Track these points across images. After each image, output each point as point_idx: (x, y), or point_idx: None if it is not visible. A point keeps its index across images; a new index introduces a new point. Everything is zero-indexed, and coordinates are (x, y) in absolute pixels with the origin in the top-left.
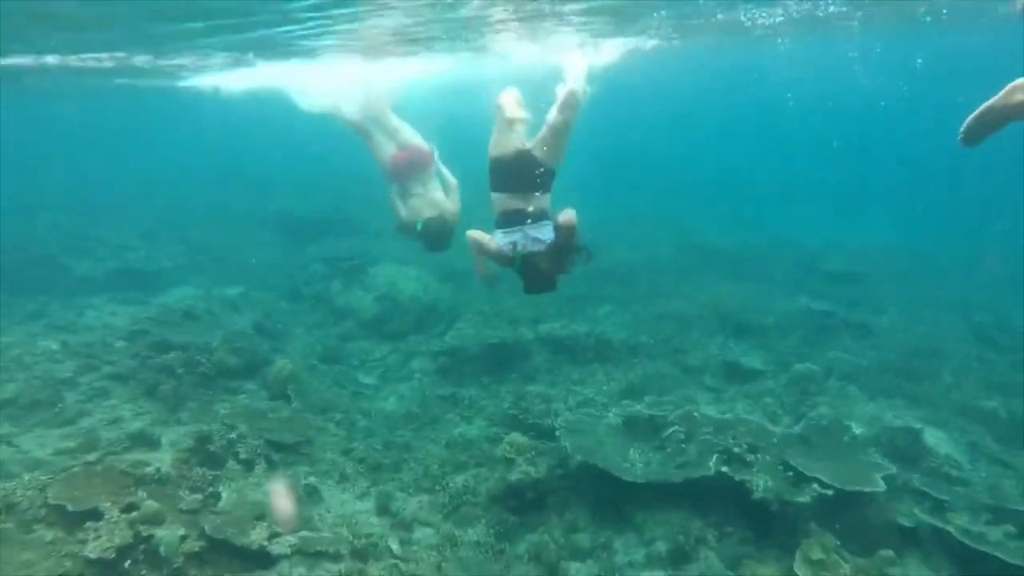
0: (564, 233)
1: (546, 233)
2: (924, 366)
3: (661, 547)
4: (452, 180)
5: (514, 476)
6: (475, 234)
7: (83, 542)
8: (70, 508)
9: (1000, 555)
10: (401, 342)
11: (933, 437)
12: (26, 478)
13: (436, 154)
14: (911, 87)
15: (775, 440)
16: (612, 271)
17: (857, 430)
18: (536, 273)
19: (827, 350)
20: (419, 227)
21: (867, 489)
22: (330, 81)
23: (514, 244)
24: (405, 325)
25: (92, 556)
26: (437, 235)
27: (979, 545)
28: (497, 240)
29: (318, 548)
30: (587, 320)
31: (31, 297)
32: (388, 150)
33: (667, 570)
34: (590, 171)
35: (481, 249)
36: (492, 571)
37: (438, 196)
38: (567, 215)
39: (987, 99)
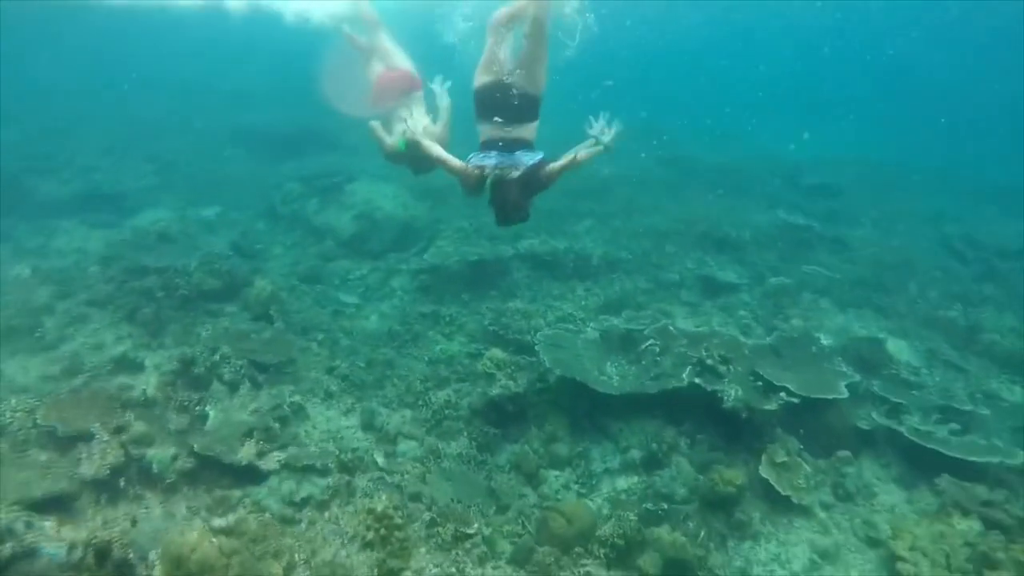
0: (547, 172)
1: (524, 159)
2: (893, 278)
3: (635, 454)
4: (444, 101)
5: (495, 390)
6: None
7: (77, 462)
8: (60, 431)
9: (943, 450)
10: (381, 260)
11: (895, 346)
12: (13, 401)
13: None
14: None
15: (747, 352)
16: (592, 186)
17: (825, 341)
18: (506, 202)
19: (802, 264)
20: (402, 146)
21: (830, 396)
22: None
23: (483, 168)
24: (384, 243)
25: (87, 475)
26: (416, 156)
27: (926, 442)
28: (470, 161)
29: (306, 463)
30: (566, 236)
31: None
32: (376, 69)
33: (641, 475)
34: (572, 83)
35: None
36: (475, 480)
37: (421, 117)
38: (569, 158)
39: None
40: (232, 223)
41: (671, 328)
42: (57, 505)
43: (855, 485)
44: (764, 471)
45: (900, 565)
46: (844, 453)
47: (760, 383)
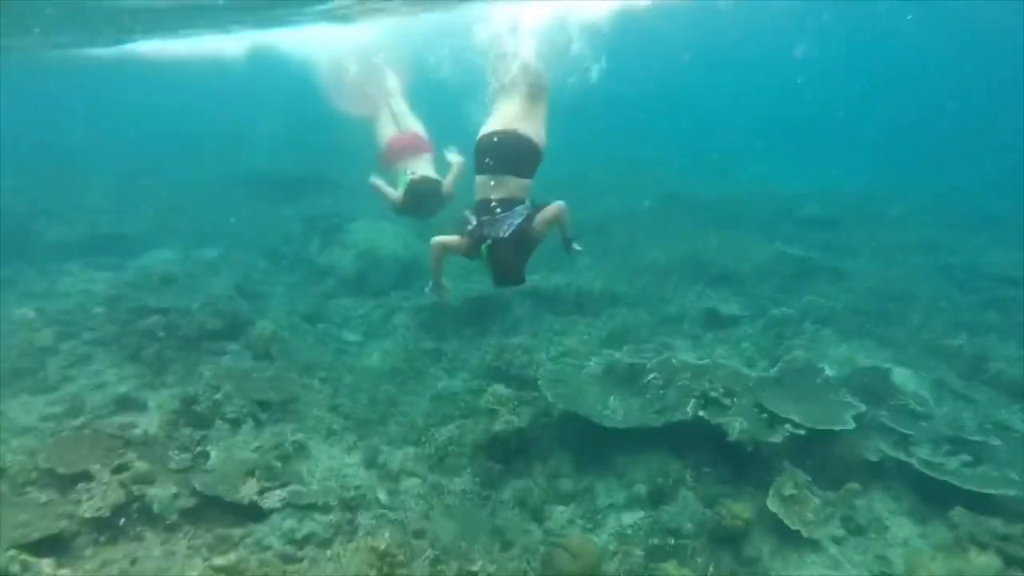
0: (541, 218)
1: (516, 215)
2: (895, 308)
3: (641, 489)
4: (458, 158)
5: (498, 426)
6: (441, 239)
7: (77, 502)
8: (61, 471)
9: (955, 482)
10: (383, 298)
11: (901, 376)
12: (14, 444)
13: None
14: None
15: (751, 384)
16: (591, 222)
17: (829, 371)
18: (501, 265)
19: (803, 294)
20: (403, 188)
21: (837, 428)
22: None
23: (482, 227)
24: (386, 282)
25: (87, 515)
26: (420, 196)
27: (937, 474)
28: (464, 225)
29: (308, 501)
30: (567, 272)
31: (2, 264)
32: (388, 131)
33: (646, 510)
34: (569, 120)
35: (445, 250)
36: (478, 517)
37: (428, 171)
38: (556, 206)
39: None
40: (235, 264)
41: (674, 361)
42: (56, 546)
43: (866, 518)
44: (772, 504)
45: None
46: (853, 485)
47: (765, 415)
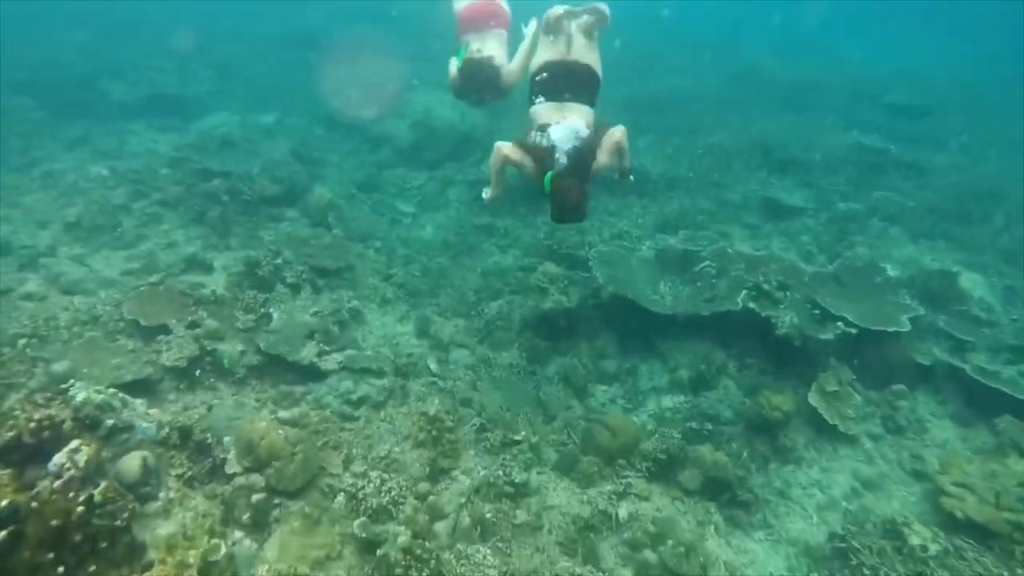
0: (607, 142)
1: (581, 133)
2: (976, 208)
3: (683, 375)
4: (533, 27)
5: (547, 304)
6: (504, 149)
7: (158, 352)
8: (143, 323)
9: (1007, 390)
10: (438, 170)
11: (969, 280)
12: (102, 295)
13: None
14: None
15: (806, 279)
16: (654, 99)
17: (892, 272)
18: (566, 195)
19: (874, 189)
20: (459, 62)
21: (891, 329)
22: None
23: (552, 146)
24: (441, 153)
25: (168, 364)
26: (474, 75)
27: (989, 381)
28: (531, 137)
29: (363, 365)
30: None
31: (72, 120)
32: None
33: (687, 395)
34: None
35: (508, 162)
36: (523, 390)
37: (495, 50)
38: (620, 129)
39: None
40: (290, 129)
41: (729, 250)
42: (144, 388)
43: (907, 419)
44: (813, 399)
45: (945, 500)
46: (899, 386)
47: (817, 311)
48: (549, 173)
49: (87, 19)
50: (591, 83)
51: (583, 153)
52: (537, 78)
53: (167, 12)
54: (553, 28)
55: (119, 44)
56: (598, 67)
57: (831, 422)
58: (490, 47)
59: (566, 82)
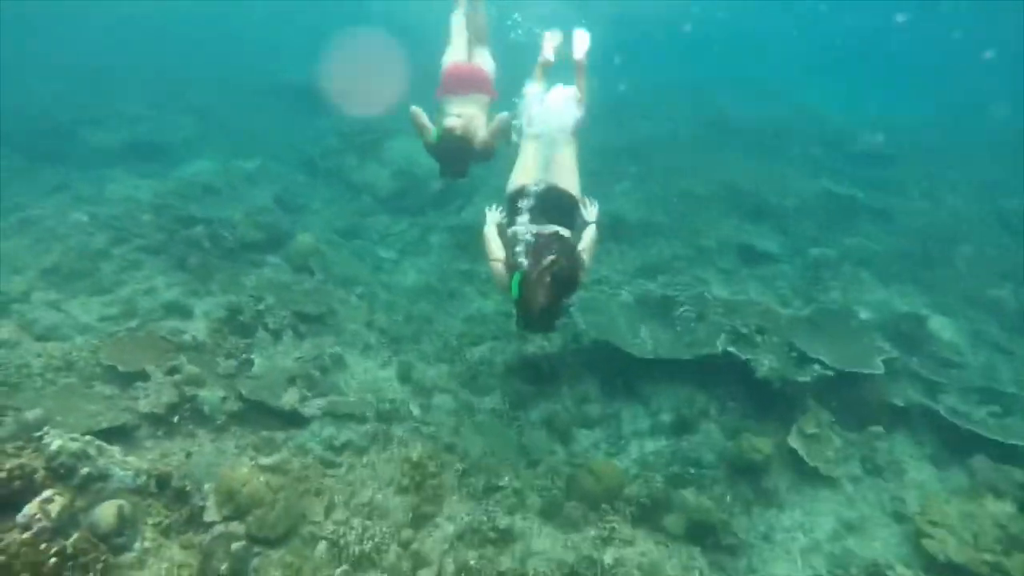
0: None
1: (558, 242)
2: (940, 252)
3: (666, 418)
4: (504, 115)
5: (529, 349)
6: (490, 238)
7: (136, 398)
8: (121, 369)
9: (980, 431)
10: (420, 217)
11: (938, 323)
12: (78, 341)
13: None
14: None
15: (783, 322)
16: (630, 147)
17: (864, 315)
18: (532, 303)
19: (845, 235)
20: (435, 137)
21: (866, 371)
22: None
23: (520, 253)
24: (423, 200)
25: (146, 411)
26: (449, 151)
27: (962, 422)
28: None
29: (345, 411)
30: (603, 197)
31: (51, 167)
32: (454, 55)
33: (670, 439)
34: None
35: (492, 249)
36: (507, 435)
37: (473, 119)
38: (592, 232)
39: None
40: (273, 176)
41: (707, 295)
42: (121, 435)
43: (885, 460)
44: (793, 441)
45: (926, 541)
46: (877, 428)
47: (795, 354)
48: (518, 274)
49: (60, 68)
50: (571, 208)
51: (556, 269)
52: (519, 203)
53: (138, 63)
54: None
55: (96, 92)
56: (576, 188)
57: (812, 464)
58: (471, 114)
59: (547, 209)
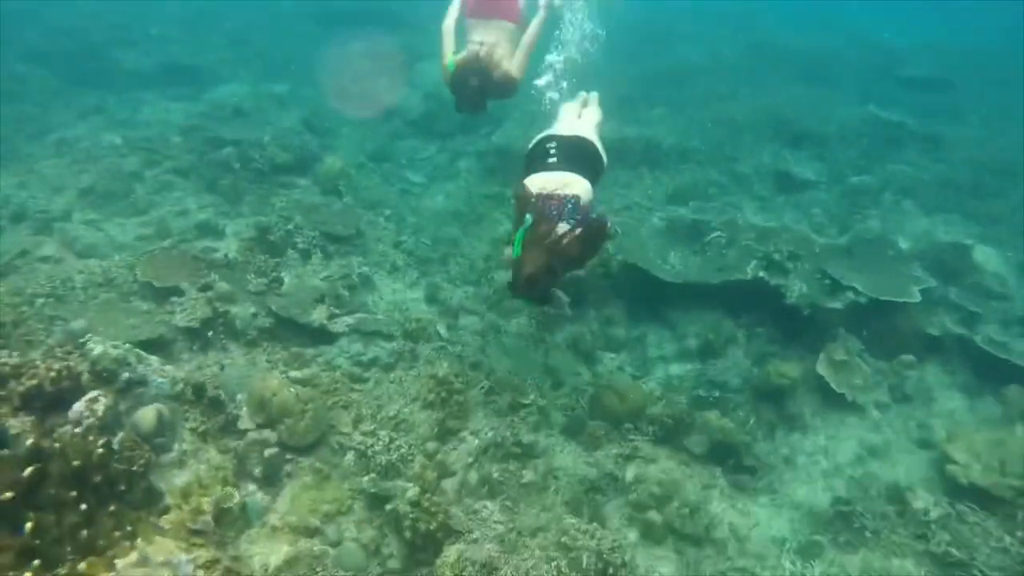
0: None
1: (574, 212)
2: (993, 182)
3: (692, 343)
4: (531, 36)
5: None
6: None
7: (171, 313)
8: (156, 284)
9: (1017, 361)
10: (448, 141)
11: (983, 254)
12: (116, 258)
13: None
14: None
15: (817, 250)
16: (669, 71)
17: (904, 244)
18: (532, 265)
19: (889, 162)
20: (450, 67)
21: (901, 299)
22: None
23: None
24: (452, 124)
25: (181, 325)
26: (464, 84)
27: (999, 352)
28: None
29: (373, 329)
30: (637, 122)
31: (87, 89)
32: None
33: (695, 363)
34: None
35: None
36: (532, 356)
37: (495, 48)
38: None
39: None
40: (302, 99)
41: (739, 221)
42: (159, 347)
43: (915, 389)
44: (821, 368)
45: (950, 467)
46: (908, 357)
47: (827, 282)
48: (524, 226)
49: None
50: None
51: (564, 236)
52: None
53: None
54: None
55: (132, 12)
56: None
57: (838, 391)
58: (493, 41)
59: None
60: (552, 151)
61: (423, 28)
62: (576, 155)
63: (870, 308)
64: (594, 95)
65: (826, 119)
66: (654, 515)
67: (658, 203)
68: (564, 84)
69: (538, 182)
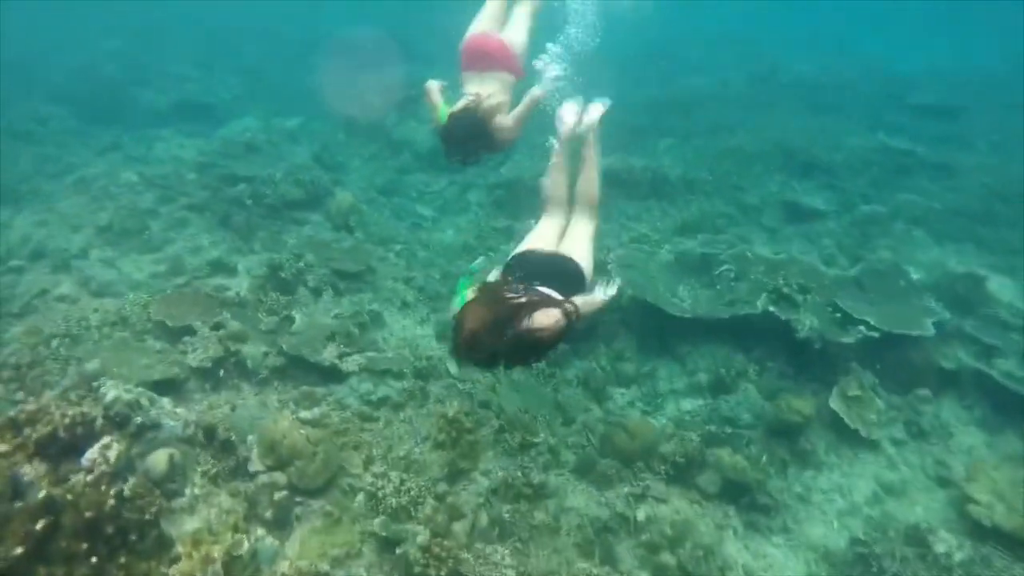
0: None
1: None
2: (1006, 211)
3: (703, 378)
4: (534, 93)
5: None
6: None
7: (184, 352)
8: (169, 324)
9: None
10: (458, 175)
11: (998, 284)
12: (131, 297)
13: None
14: None
15: (827, 282)
16: (676, 101)
17: (915, 275)
18: (471, 324)
19: (899, 191)
20: (442, 116)
21: (914, 332)
22: None
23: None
24: None
25: (193, 364)
26: (457, 133)
27: (1019, 387)
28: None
29: (383, 367)
30: (645, 153)
31: (104, 127)
32: (480, 25)
33: (706, 398)
34: None
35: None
36: (542, 393)
37: (491, 99)
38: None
39: None
40: (313, 134)
41: (748, 253)
42: (171, 387)
43: (931, 424)
44: (834, 403)
45: (971, 507)
46: (923, 391)
47: (839, 315)
48: (467, 276)
49: (121, 25)
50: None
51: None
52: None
53: (198, 14)
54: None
55: (150, 50)
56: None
57: (852, 427)
58: (488, 91)
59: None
60: (522, 275)
61: (433, 60)
62: (555, 278)
63: (883, 341)
64: (595, 122)
65: (835, 147)
66: (667, 557)
67: (666, 235)
68: (565, 70)
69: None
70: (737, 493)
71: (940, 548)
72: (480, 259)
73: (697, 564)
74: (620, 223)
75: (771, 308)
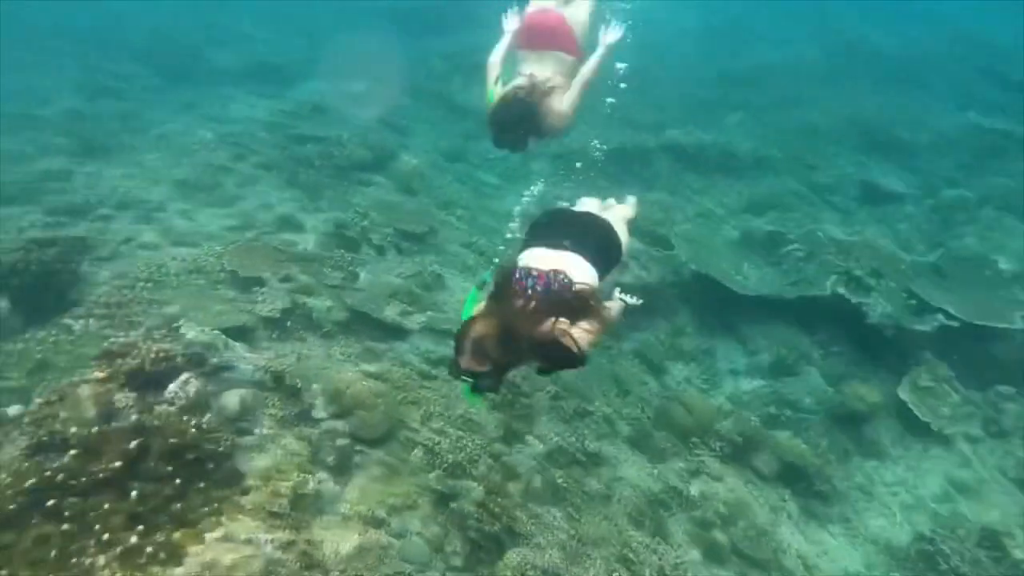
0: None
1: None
2: None
3: (764, 359)
4: (587, 72)
5: (626, 278)
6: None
7: (254, 302)
8: (241, 274)
9: None
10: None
11: None
12: (205, 247)
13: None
14: None
15: (903, 267)
16: (747, 75)
17: (1004, 264)
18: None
19: (990, 176)
20: (490, 98)
21: (1000, 325)
22: None
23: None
24: None
25: (263, 313)
26: (505, 117)
27: None
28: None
29: (444, 327)
30: (714, 128)
31: (182, 86)
32: (535, 2)
33: (767, 380)
34: None
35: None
36: (599, 363)
37: (546, 83)
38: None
39: None
40: (379, 98)
41: (819, 234)
42: (242, 334)
43: (1013, 424)
44: (904, 393)
45: None
46: (1006, 388)
47: (914, 302)
48: (475, 289)
49: None
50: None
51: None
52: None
53: None
54: None
55: (224, 10)
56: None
57: (923, 419)
58: (544, 74)
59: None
60: (560, 226)
61: (497, 29)
62: (588, 236)
63: (962, 332)
64: (632, 200)
65: (918, 126)
66: (719, 535)
67: (732, 212)
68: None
69: (532, 258)
70: (794, 478)
71: (1018, 554)
72: (491, 271)
73: (749, 544)
74: (686, 197)
75: (840, 290)
